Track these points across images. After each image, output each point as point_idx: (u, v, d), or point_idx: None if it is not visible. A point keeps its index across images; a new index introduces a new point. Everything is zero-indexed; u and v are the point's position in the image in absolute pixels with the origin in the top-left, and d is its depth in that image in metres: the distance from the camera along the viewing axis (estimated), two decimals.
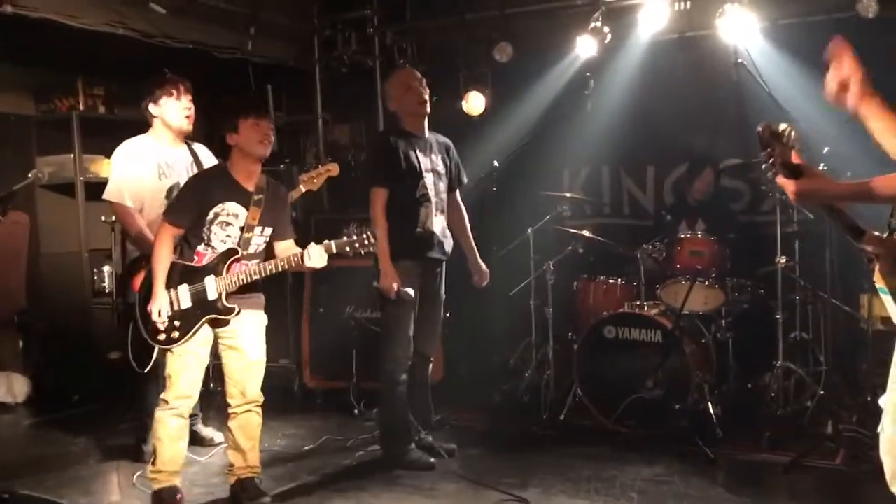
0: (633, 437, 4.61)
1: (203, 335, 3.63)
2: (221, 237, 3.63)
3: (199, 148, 4.54)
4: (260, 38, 5.88)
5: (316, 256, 3.54)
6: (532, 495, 3.89)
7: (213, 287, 3.59)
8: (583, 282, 5.44)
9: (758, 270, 5.18)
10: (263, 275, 3.63)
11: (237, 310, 3.60)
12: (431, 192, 4.27)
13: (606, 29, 5.41)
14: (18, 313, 5.90)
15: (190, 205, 3.65)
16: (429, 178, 4.27)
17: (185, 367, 3.63)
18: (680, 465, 4.23)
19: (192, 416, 4.67)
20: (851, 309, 5.15)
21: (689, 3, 5.29)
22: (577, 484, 4.02)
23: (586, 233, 5.43)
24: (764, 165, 2.32)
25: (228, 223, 3.63)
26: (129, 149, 4.36)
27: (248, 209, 3.64)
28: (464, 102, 6.16)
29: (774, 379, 4.83)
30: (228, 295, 3.60)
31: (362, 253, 3.60)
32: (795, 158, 2.26)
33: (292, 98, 6.77)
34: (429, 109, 4.31)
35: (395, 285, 4.10)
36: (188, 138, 4.47)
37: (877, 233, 2.54)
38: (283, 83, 6.57)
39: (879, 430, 2.51)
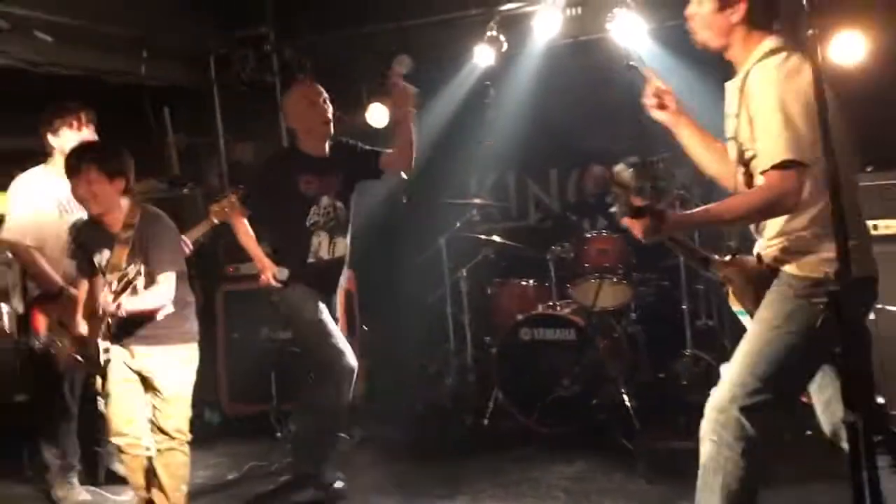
0: (555, 436, 4.71)
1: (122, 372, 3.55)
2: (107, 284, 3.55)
3: None
4: (153, 61, 5.71)
5: None
6: (462, 503, 3.93)
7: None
8: (496, 286, 5.52)
9: (661, 263, 5.37)
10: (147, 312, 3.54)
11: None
12: (323, 219, 4.03)
13: (502, 37, 5.51)
14: None
15: (80, 257, 3.70)
16: (324, 202, 4.04)
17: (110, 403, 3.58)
18: (601, 460, 4.35)
19: (109, 455, 4.53)
20: None
21: (580, 9, 5.44)
22: (505, 488, 4.09)
23: (496, 238, 5.51)
24: (613, 209, 2.48)
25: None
26: (27, 184, 4.18)
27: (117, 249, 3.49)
28: (367, 115, 6.16)
29: (685, 367, 5.01)
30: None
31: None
32: (636, 200, 2.40)
33: (192, 120, 6.62)
34: (332, 129, 4.09)
35: (269, 273, 3.94)
36: None
37: (718, 257, 2.68)
38: (181, 105, 6.42)
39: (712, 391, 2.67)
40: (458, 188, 6.24)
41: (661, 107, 2.88)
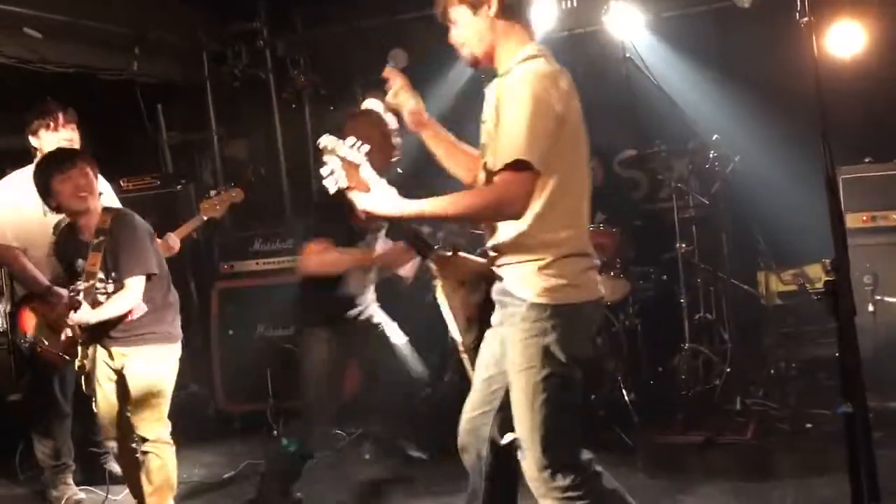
0: None
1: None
2: None
3: None
4: (146, 58, 5.68)
5: None
6: (462, 499, 3.89)
7: None
8: None
9: (660, 257, 5.34)
10: None
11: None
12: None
13: None
14: None
15: None
16: (367, 238, 3.80)
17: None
18: (600, 455, 4.26)
19: (104, 454, 4.50)
20: (750, 287, 5.37)
21: (575, 1, 5.39)
22: None
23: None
24: (324, 180, 2.41)
25: None
26: (8, 185, 4.16)
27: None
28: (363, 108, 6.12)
29: (683, 360, 4.98)
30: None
31: None
32: (359, 174, 2.39)
33: (185, 116, 6.59)
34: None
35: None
36: None
37: (440, 249, 2.66)
38: (175, 102, 6.39)
39: None
40: (452, 183, 6.21)
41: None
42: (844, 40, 4.79)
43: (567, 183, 2.38)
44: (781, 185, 5.08)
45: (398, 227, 2.65)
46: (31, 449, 4.29)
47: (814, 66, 1.92)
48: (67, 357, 3.55)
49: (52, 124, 4.09)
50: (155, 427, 3.52)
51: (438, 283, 2.57)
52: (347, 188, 2.40)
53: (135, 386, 3.48)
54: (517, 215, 2.31)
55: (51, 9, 4.97)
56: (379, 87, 6.16)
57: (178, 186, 5.54)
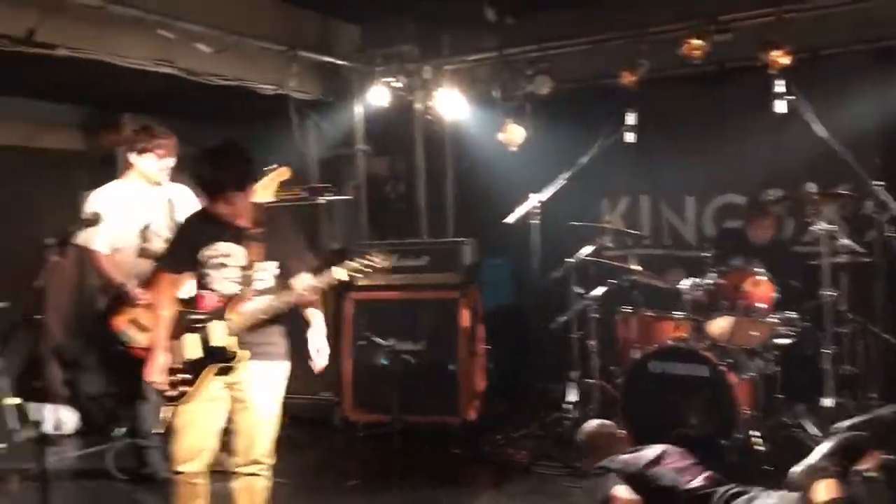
0: None
1: (213, 388, 3.34)
2: (219, 279, 3.33)
3: (176, 187, 4.51)
4: (300, 74, 5.97)
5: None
6: None
7: (217, 332, 3.29)
8: (625, 315, 5.38)
9: (805, 303, 5.09)
10: (269, 314, 3.32)
11: (247, 355, 3.30)
12: None
13: (645, 61, 5.41)
14: (55, 347, 5.93)
15: (178, 250, 3.45)
16: None
17: (189, 423, 3.34)
18: None
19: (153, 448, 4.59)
20: None
21: (730, 35, 5.25)
22: None
23: (631, 265, 5.36)
24: None
25: (224, 264, 3.32)
26: (101, 196, 4.39)
27: (244, 246, 3.32)
28: (501, 134, 6.17)
29: (824, 413, 4.72)
30: (239, 340, 3.30)
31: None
32: None
33: (333, 131, 6.84)
34: None
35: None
36: None
37: None
38: (324, 117, 6.66)
39: None
40: (589, 211, 6.17)
41: None
42: None
43: None
44: None
45: None
46: None
47: None
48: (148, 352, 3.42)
49: (163, 152, 4.34)
50: (272, 447, 3.45)
51: None
52: None
53: (265, 404, 3.38)
54: None
55: (219, 26, 5.30)
56: (520, 114, 6.19)
57: (324, 199, 5.71)
